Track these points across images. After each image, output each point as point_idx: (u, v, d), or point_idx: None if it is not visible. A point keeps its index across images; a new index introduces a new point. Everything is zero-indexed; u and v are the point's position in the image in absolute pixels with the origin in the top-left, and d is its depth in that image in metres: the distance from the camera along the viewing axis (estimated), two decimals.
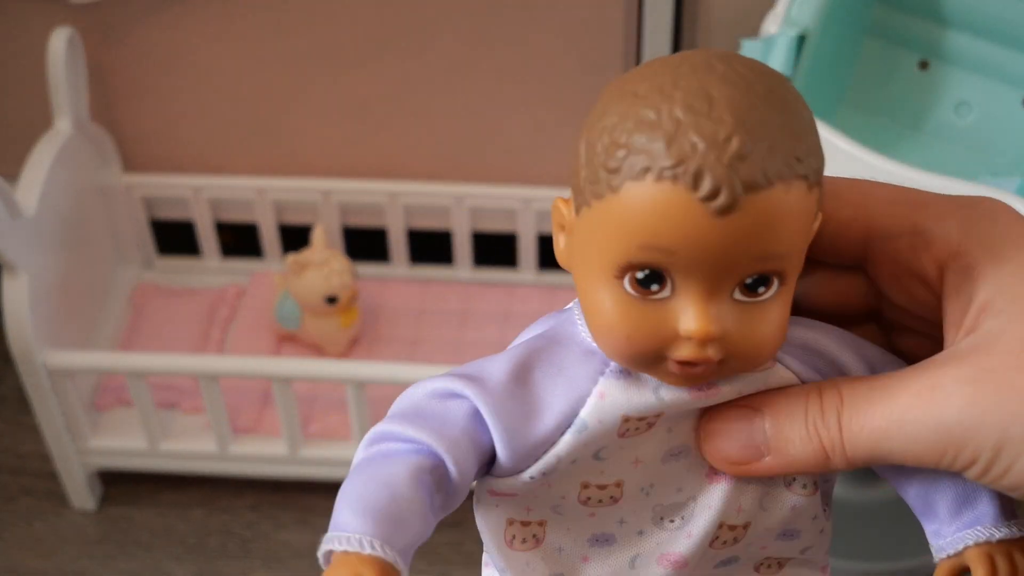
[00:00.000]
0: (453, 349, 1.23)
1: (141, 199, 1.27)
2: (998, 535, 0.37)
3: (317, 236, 1.19)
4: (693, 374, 0.36)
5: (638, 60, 1.15)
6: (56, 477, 1.19)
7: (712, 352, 0.35)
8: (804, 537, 0.41)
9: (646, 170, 0.33)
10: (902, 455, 0.36)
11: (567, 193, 0.38)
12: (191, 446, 1.13)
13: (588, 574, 0.40)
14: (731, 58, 0.35)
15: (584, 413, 0.37)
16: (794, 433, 0.37)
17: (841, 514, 0.92)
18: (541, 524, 0.39)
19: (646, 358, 0.35)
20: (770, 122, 0.34)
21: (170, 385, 1.18)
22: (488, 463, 0.38)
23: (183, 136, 1.27)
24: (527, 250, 1.27)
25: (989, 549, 0.37)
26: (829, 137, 0.80)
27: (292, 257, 1.17)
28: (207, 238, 1.30)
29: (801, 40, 0.89)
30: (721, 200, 0.33)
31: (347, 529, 0.37)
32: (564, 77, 1.17)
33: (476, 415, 0.37)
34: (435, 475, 0.36)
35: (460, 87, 1.20)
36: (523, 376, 0.37)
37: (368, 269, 1.29)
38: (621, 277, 0.35)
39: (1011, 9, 0.92)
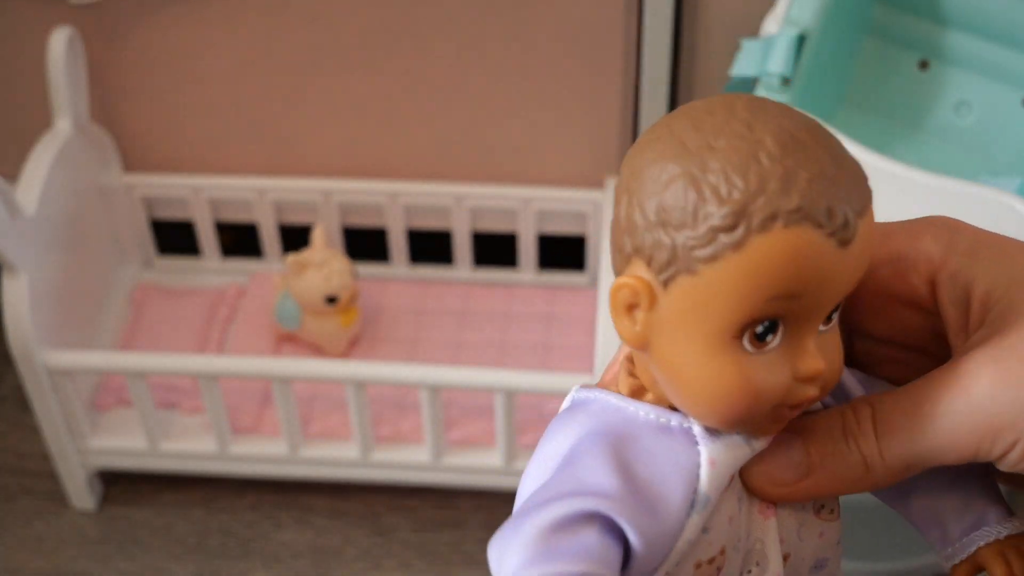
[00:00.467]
0: (453, 349, 1.23)
1: (141, 199, 1.27)
2: (1005, 532, 0.38)
3: (317, 236, 1.19)
4: (794, 415, 0.36)
5: (638, 60, 1.15)
6: (56, 477, 1.19)
7: (821, 386, 0.35)
8: (830, 566, 0.40)
9: (772, 218, 0.32)
10: (940, 452, 0.36)
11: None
12: (191, 446, 1.13)
13: None
14: (744, 99, 0.34)
15: (703, 487, 0.35)
16: (835, 448, 0.37)
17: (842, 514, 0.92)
18: None
19: (763, 411, 0.34)
20: (836, 151, 0.34)
21: (170, 385, 1.18)
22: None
23: (183, 136, 1.27)
24: (527, 250, 1.27)
25: (1000, 547, 0.38)
26: None
27: (292, 257, 1.17)
28: (207, 238, 1.30)
29: (801, 40, 0.89)
30: (848, 231, 0.32)
31: None
32: (564, 77, 1.17)
33: (607, 530, 0.34)
34: None
35: (460, 87, 1.20)
36: (628, 474, 0.35)
37: (368, 269, 1.29)
38: (740, 337, 0.33)
39: (1011, 9, 0.92)
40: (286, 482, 1.18)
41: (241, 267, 1.32)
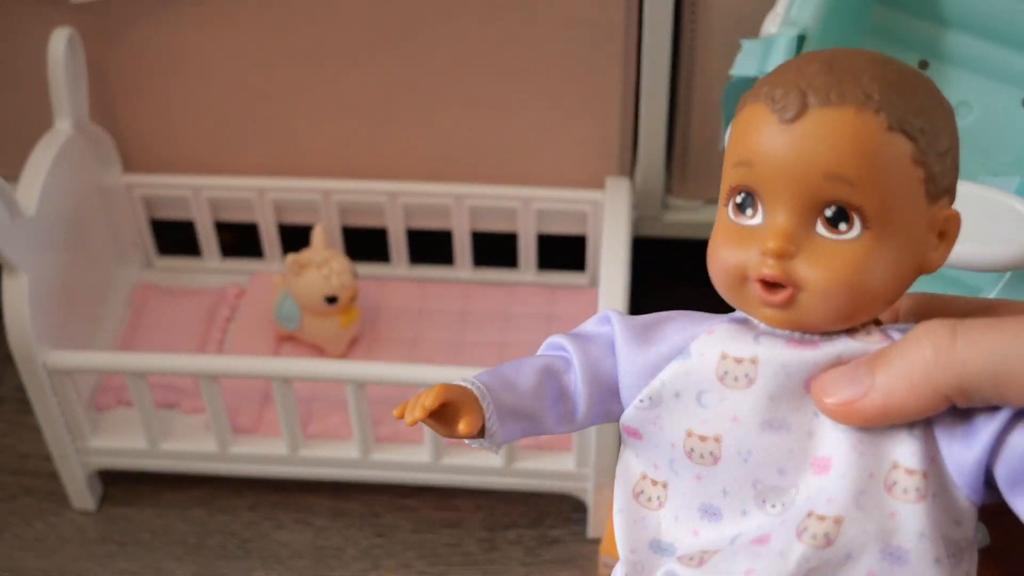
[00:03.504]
0: (453, 349, 1.23)
1: (141, 199, 1.27)
2: None
3: (317, 236, 1.19)
4: (773, 301, 0.39)
5: (638, 60, 1.15)
6: (56, 477, 1.19)
7: (783, 273, 0.38)
8: (915, 564, 0.37)
9: (746, 99, 0.40)
10: (1022, 369, 0.35)
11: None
12: (191, 446, 1.13)
13: (693, 545, 0.41)
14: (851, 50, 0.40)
15: (692, 345, 0.41)
16: (897, 349, 0.37)
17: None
18: (664, 487, 0.42)
19: (736, 279, 0.40)
20: (870, 72, 0.38)
21: (170, 385, 1.18)
22: (617, 397, 0.42)
23: (183, 136, 1.27)
24: (527, 250, 1.27)
25: None
26: None
27: (292, 257, 1.17)
28: (207, 238, 1.30)
29: (801, 40, 0.89)
30: (789, 109, 0.38)
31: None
32: (564, 77, 1.17)
33: (612, 343, 0.42)
34: (564, 380, 0.42)
35: (460, 87, 1.20)
36: (663, 320, 0.42)
37: (368, 269, 1.29)
38: (727, 205, 0.40)
39: (1011, 9, 0.92)
40: (286, 482, 1.18)
41: (241, 267, 1.32)
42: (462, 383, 0.40)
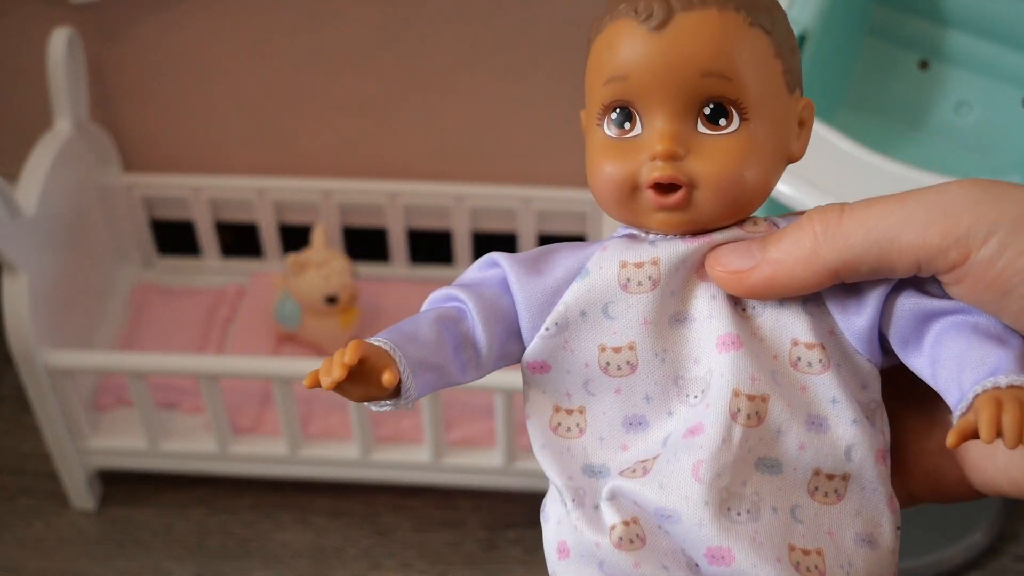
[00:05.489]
0: None
1: (141, 199, 1.27)
2: (1006, 381, 0.35)
3: (317, 236, 1.19)
4: (668, 203, 0.40)
5: None
6: (56, 477, 1.19)
7: (677, 172, 0.39)
8: (835, 428, 0.40)
9: (602, 21, 0.41)
10: (906, 227, 0.36)
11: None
12: (191, 446, 1.13)
13: (627, 460, 0.41)
14: None
15: (588, 263, 0.41)
16: (789, 229, 0.39)
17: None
18: (581, 412, 0.42)
19: (625, 191, 0.40)
20: None
21: (170, 385, 1.18)
22: (518, 337, 0.42)
23: (183, 136, 1.27)
24: (527, 250, 1.27)
25: (997, 394, 0.35)
26: (829, 137, 0.80)
27: (292, 257, 1.17)
28: (207, 238, 1.30)
29: (801, 40, 0.89)
30: (655, 17, 0.39)
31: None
32: (564, 77, 1.17)
33: (505, 281, 0.42)
34: (462, 327, 0.41)
35: (460, 87, 1.20)
36: (549, 251, 0.43)
37: (368, 269, 1.29)
38: (602, 122, 0.41)
39: (1011, 9, 0.92)
40: (286, 482, 1.18)
41: (241, 267, 1.32)
42: (369, 341, 0.39)
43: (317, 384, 0.39)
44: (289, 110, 1.23)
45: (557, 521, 0.41)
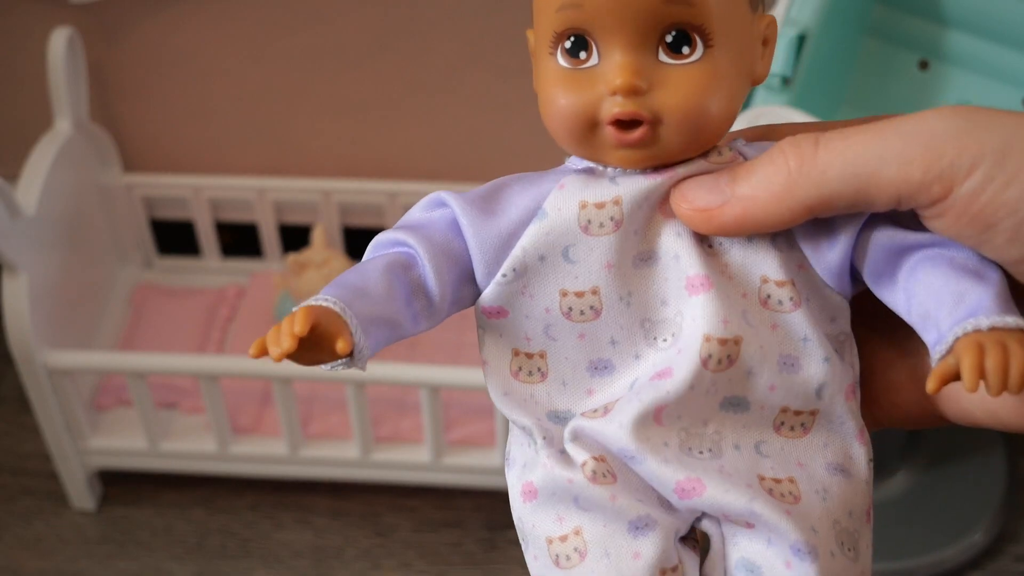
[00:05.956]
0: (453, 349, 1.23)
1: (141, 199, 1.27)
2: (987, 323, 0.34)
3: (317, 236, 1.19)
4: (630, 140, 0.37)
5: None
6: (56, 477, 1.19)
7: (639, 108, 0.37)
8: (807, 368, 0.38)
9: None
10: (886, 161, 0.34)
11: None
12: (191, 446, 1.13)
13: (593, 404, 0.39)
14: None
15: (545, 204, 0.39)
16: (759, 162, 0.37)
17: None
18: (543, 356, 0.40)
19: (582, 126, 0.38)
20: None
21: (170, 385, 1.18)
22: (472, 281, 0.39)
23: (183, 136, 1.27)
24: None
25: (979, 338, 0.34)
26: None
27: (292, 257, 1.17)
28: (207, 238, 1.30)
29: (801, 40, 0.89)
30: None
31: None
32: None
33: (455, 223, 0.39)
34: (412, 274, 0.39)
35: (459, 87, 1.20)
36: (499, 187, 0.40)
37: None
38: (555, 52, 0.38)
39: (1011, 9, 0.92)
40: (286, 482, 1.18)
41: (241, 267, 1.32)
42: (316, 302, 0.36)
43: (264, 353, 0.35)
44: (289, 110, 1.23)
45: (523, 465, 0.39)
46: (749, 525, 0.38)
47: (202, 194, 1.26)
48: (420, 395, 1.05)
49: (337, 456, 1.12)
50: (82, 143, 1.17)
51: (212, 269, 1.32)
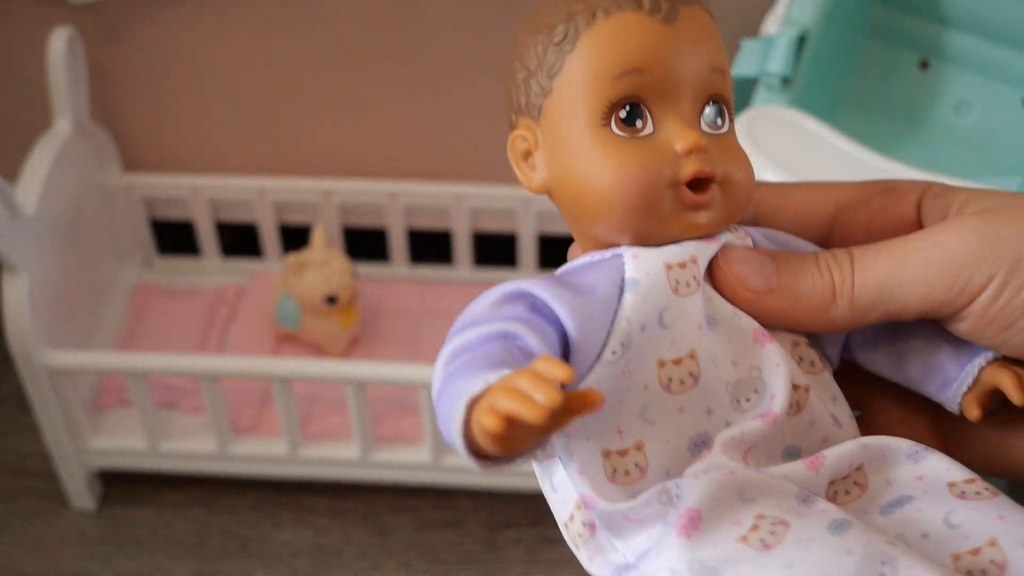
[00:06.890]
0: None
1: (141, 199, 1.27)
2: (993, 356, 0.38)
3: (317, 236, 1.19)
4: (703, 200, 0.37)
5: None
6: (56, 477, 1.19)
7: (710, 166, 0.37)
8: (845, 426, 0.39)
9: (592, 16, 0.37)
10: (911, 288, 0.37)
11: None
12: (191, 446, 1.13)
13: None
14: None
15: (629, 273, 0.37)
16: (806, 271, 0.39)
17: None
18: (639, 448, 0.36)
19: (652, 192, 0.37)
20: None
21: (170, 385, 1.18)
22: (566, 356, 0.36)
23: (183, 136, 1.27)
24: (527, 250, 1.27)
25: (1002, 362, 0.38)
26: (829, 137, 0.80)
27: (292, 257, 1.17)
28: (207, 238, 1.30)
29: (801, 40, 0.89)
30: (664, 9, 0.37)
31: (468, 392, 0.34)
32: None
33: (536, 309, 0.37)
34: (519, 343, 0.36)
35: (460, 87, 1.20)
36: (567, 273, 0.39)
37: (368, 269, 1.29)
38: (608, 123, 0.37)
39: (1011, 9, 0.92)
40: (286, 482, 1.18)
41: (241, 267, 1.32)
42: (490, 383, 0.33)
43: (510, 423, 0.31)
44: (289, 110, 1.23)
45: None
46: None
47: (202, 194, 1.26)
48: (420, 395, 1.05)
49: (337, 456, 1.12)
50: (82, 143, 1.17)
51: (212, 269, 1.32)
